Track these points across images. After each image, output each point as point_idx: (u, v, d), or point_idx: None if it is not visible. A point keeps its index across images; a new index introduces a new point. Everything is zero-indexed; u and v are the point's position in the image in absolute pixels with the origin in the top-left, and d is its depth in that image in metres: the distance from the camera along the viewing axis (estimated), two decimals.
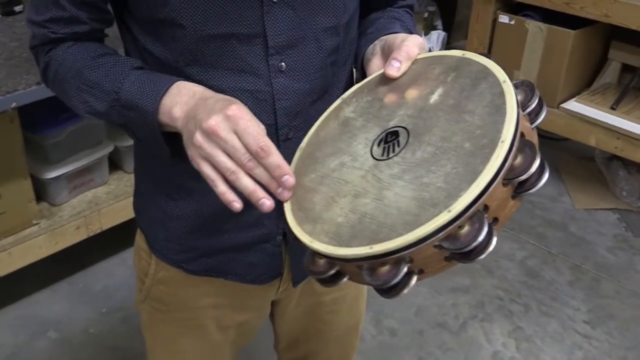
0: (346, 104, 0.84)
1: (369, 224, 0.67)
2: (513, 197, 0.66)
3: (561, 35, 2.49)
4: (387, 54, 0.85)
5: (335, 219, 0.71)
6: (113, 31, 0.96)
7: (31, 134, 1.96)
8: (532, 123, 0.70)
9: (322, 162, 0.78)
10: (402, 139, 0.73)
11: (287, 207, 0.76)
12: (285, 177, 0.73)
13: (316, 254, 0.71)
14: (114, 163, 2.28)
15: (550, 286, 2.33)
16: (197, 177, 0.93)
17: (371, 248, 0.64)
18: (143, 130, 0.85)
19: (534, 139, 0.69)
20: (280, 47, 0.88)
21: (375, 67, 0.87)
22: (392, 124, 0.75)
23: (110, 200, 2.15)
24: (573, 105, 2.56)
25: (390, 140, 0.74)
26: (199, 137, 0.74)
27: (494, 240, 0.63)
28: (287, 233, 0.75)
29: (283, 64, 0.89)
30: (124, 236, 1.99)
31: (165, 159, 0.88)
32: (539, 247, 2.51)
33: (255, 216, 0.96)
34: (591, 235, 2.58)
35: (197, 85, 0.81)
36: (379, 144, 0.74)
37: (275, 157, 0.73)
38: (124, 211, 2.14)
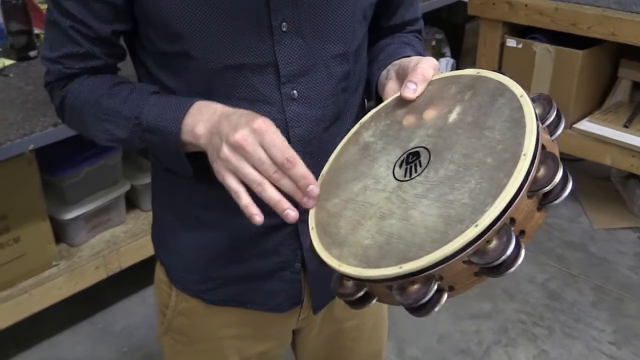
0: (365, 128, 0.85)
1: (397, 243, 0.67)
2: (538, 209, 0.66)
3: (569, 56, 2.50)
4: (402, 77, 0.86)
5: (362, 241, 0.71)
6: (125, 67, 0.98)
7: (49, 175, 1.99)
8: (551, 135, 0.71)
9: (345, 187, 0.79)
10: (423, 159, 0.73)
11: (314, 234, 0.76)
12: (311, 187, 0.76)
13: (343, 277, 0.71)
14: (131, 202, 2.30)
15: (573, 308, 2.30)
16: (213, 208, 0.94)
17: (400, 267, 0.64)
18: (165, 152, 0.87)
19: (555, 150, 0.70)
20: (291, 75, 0.89)
21: (390, 91, 0.87)
22: (412, 144, 0.76)
23: (129, 239, 2.16)
24: (586, 125, 2.56)
25: (411, 160, 0.74)
26: (225, 151, 0.76)
27: (522, 253, 0.63)
28: (314, 258, 0.76)
29: (295, 91, 0.90)
30: (143, 275, 1.99)
31: (187, 179, 0.89)
32: (560, 269, 2.48)
33: (273, 244, 0.96)
34: (612, 255, 2.55)
35: (216, 103, 0.83)
36: (400, 166, 0.75)
37: (300, 167, 0.75)
38: (142, 249, 2.14)
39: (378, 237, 0.70)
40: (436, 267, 0.63)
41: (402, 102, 0.82)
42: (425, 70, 0.82)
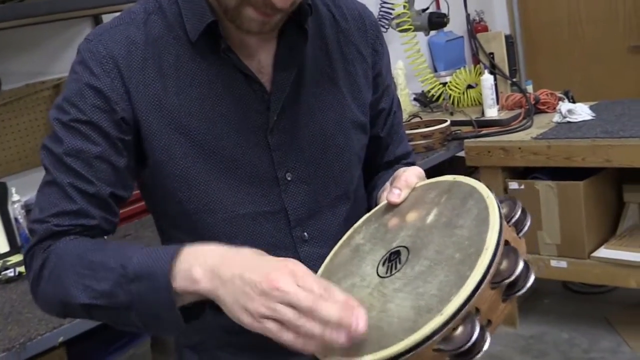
0: (357, 232, 0.92)
1: (374, 334, 0.72)
2: (504, 300, 0.71)
3: (571, 189, 2.56)
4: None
5: None
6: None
7: None
8: (518, 233, 0.78)
9: (337, 285, 0.82)
10: (403, 257, 0.80)
11: None
12: (356, 311, 0.69)
13: None
14: None
15: None
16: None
17: (374, 356, 0.69)
18: (154, 306, 0.77)
19: (521, 247, 0.77)
20: (300, 220, 0.96)
21: (384, 198, 0.93)
22: (394, 244, 0.83)
23: None
24: (604, 252, 2.57)
25: (393, 259, 0.81)
26: (262, 300, 0.70)
27: (487, 341, 0.67)
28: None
29: (306, 233, 0.96)
30: None
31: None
32: None
33: None
34: None
35: (204, 244, 0.78)
36: (383, 264, 0.82)
37: (337, 292, 0.71)
38: None
39: None
40: (407, 353, 0.68)
41: (389, 207, 0.90)
42: (409, 177, 0.89)
